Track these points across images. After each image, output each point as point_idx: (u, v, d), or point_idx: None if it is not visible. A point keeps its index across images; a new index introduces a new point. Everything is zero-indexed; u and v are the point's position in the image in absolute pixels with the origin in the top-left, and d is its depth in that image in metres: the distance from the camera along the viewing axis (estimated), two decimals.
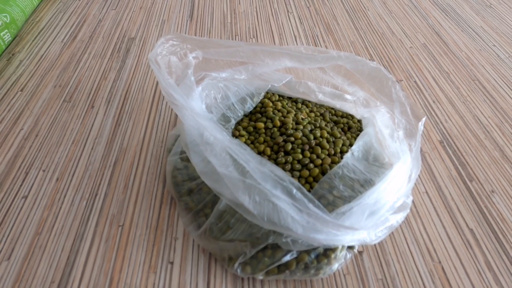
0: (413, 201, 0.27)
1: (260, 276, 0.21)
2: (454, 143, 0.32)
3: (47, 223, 0.25)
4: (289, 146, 0.25)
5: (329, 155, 0.25)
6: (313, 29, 0.46)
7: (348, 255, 0.23)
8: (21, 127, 0.32)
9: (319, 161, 0.24)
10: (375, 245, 0.24)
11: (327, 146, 0.25)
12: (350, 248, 0.23)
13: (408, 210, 0.23)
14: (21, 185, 0.27)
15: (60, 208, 0.26)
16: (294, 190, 0.18)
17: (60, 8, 0.49)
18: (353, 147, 0.25)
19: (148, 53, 0.41)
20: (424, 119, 0.25)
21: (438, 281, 0.23)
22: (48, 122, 0.33)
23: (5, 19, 0.40)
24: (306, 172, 0.23)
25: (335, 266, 0.21)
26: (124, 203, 0.26)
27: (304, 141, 0.25)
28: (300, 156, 0.24)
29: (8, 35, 0.40)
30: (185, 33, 0.45)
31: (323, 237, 0.18)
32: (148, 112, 0.34)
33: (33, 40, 0.43)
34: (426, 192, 0.28)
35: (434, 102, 0.36)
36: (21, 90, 0.36)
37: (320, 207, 0.18)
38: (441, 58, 0.42)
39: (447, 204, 0.27)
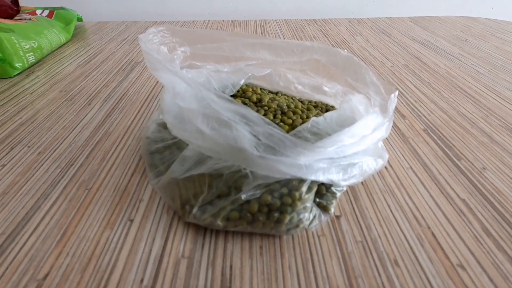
0: (396, 175, 0.26)
1: (219, 222, 0.19)
2: (439, 131, 0.31)
3: (16, 186, 0.25)
4: (262, 112, 0.25)
5: (301, 119, 0.25)
6: None
7: (323, 217, 0.21)
8: (21, 117, 0.34)
9: (289, 121, 0.24)
10: (354, 209, 0.22)
11: (300, 112, 0.26)
12: (325, 210, 0.21)
13: (382, 162, 0.22)
14: (3, 157, 0.28)
15: (34, 174, 0.26)
16: (253, 115, 0.18)
17: (83, 45, 0.57)
18: (326, 113, 0.25)
19: (150, 72, 0.46)
20: (396, 92, 0.26)
21: (427, 244, 0.20)
22: (46, 114, 0.35)
23: (33, 44, 0.47)
24: None
25: (301, 210, 0.19)
26: (97, 172, 0.26)
27: (277, 109, 0.26)
28: (271, 118, 0.24)
29: (32, 57, 0.47)
30: None
31: (282, 160, 0.17)
32: (139, 108, 0.36)
33: (53, 64, 0.49)
34: (411, 168, 0.26)
35: (416, 102, 0.37)
36: (31, 94, 0.39)
37: (278, 127, 0.17)
38: (422, 73, 0.44)
39: (434, 178, 0.25)
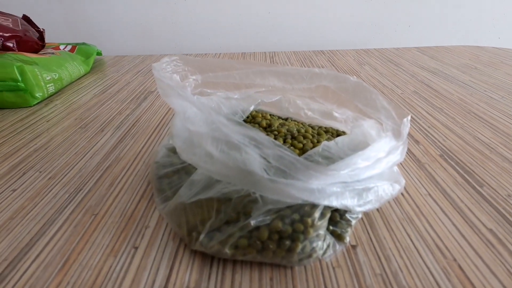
0: (414, 202, 0.24)
1: (227, 250, 0.18)
2: (456, 156, 0.30)
3: (24, 210, 0.25)
4: (272, 137, 0.25)
5: (312, 143, 0.24)
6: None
7: (338, 247, 0.19)
8: (35, 143, 0.35)
9: (300, 145, 0.24)
10: (370, 238, 0.21)
11: (310, 137, 0.25)
12: (340, 239, 0.20)
13: (399, 187, 0.21)
14: (14, 182, 0.28)
15: (42, 199, 0.26)
16: (263, 137, 0.18)
17: (100, 76, 0.60)
18: (338, 138, 0.25)
19: (162, 101, 0.47)
20: (409, 116, 0.25)
21: (455, 279, 0.18)
22: (60, 140, 0.36)
23: (54, 76, 0.49)
24: None
25: (314, 238, 0.18)
26: (104, 197, 0.26)
27: (287, 134, 0.26)
28: (282, 142, 0.24)
29: (52, 88, 0.49)
30: None
31: (293, 183, 0.16)
32: (150, 134, 0.36)
33: (71, 94, 0.51)
34: (429, 195, 0.25)
35: (429, 127, 0.36)
36: (47, 121, 0.41)
37: (288, 150, 0.17)
38: (433, 99, 0.44)
39: (455, 206, 0.24)
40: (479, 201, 0.24)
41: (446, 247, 0.20)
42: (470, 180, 0.27)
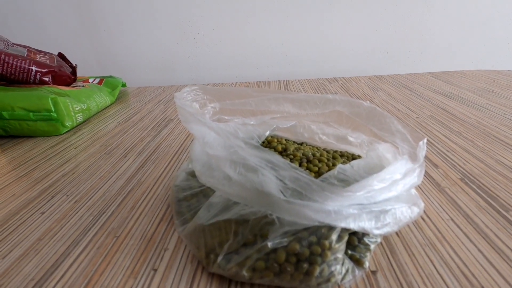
0: (436, 227, 0.23)
1: (244, 272, 0.18)
2: (478, 180, 0.29)
3: (51, 232, 0.26)
4: (288, 160, 0.26)
5: (327, 166, 0.25)
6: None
7: (357, 272, 0.19)
8: (63, 169, 0.37)
9: (315, 169, 0.24)
10: (391, 264, 0.20)
11: (326, 160, 0.26)
12: (359, 263, 0.20)
13: (418, 210, 0.20)
14: (44, 205, 0.30)
15: (68, 221, 0.27)
16: (279, 160, 0.19)
17: (124, 106, 0.64)
18: (353, 161, 0.25)
19: (181, 128, 0.49)
20: (425, 139, 0.26)
21: None
22: (86, 166, 0.38)
23: (83, 106, 0.53)
24: None
25: (332, 262, 0.18)
26: (126, 220, 0.27)
27: (303, 158, 0.26)
28: (297, 165, 0.25)
29: (81, 117, 0.52)
30: None
31: (309, 205, 0.17)
32: (170, 159, 0.38)
33: (98, 122, 0.54)
34: (451, 219, 0.24)
35: (448, 151, 0.36)
36: (75, 148, 0.43)
37: (304, 172, 0.18)
38: (450, 123, 0.43)
39: (480, 231, 0.23)
40: (505, 226, 0.23)
41: (473, 274, 0.19)
42: (495, 204, 0.26)
